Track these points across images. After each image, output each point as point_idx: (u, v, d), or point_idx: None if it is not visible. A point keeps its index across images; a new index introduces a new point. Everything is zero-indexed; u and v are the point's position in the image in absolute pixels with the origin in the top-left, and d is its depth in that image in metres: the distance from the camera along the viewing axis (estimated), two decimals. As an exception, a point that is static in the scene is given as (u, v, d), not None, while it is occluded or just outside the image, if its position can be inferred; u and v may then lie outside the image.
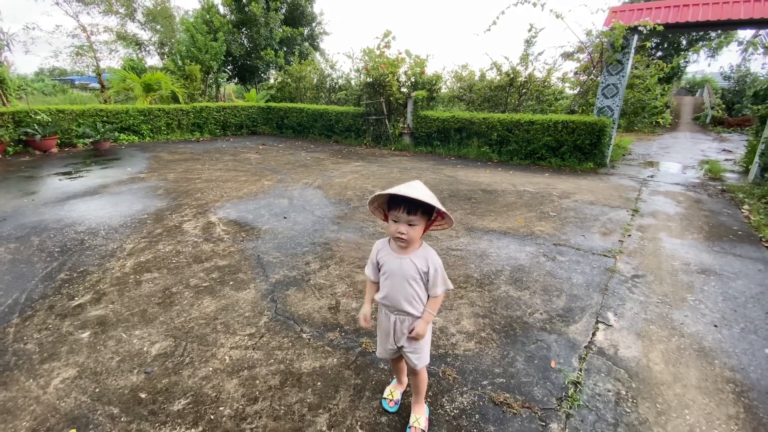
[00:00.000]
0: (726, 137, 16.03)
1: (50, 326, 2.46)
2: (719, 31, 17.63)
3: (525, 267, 3.40)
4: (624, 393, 1.98)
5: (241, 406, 1.84)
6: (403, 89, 10.93)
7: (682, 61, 21.89)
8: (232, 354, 2.20)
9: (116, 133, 10.39)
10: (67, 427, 1.73)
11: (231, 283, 3.01)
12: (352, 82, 14.23)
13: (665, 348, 2.36)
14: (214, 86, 14.68)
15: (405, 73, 11.33)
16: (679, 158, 10.37)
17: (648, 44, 8.69)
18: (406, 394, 1.91)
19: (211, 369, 2.08)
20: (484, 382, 2.02)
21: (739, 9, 7.35)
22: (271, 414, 1.79)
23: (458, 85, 12.41)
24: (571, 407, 1.88)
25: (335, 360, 2.16)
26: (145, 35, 19.15)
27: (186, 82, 13.66)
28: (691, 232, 4.42)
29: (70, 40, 16.78)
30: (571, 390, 1.99)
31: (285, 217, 4.57)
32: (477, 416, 1.81)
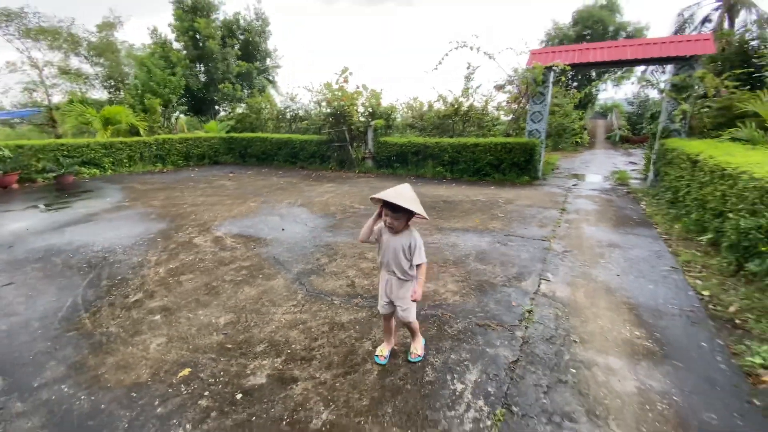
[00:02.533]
0: (632, 152, 19.04)
1: (120, 316, 2.99)
2: (619, 67, 21.14)
3: (486, 250, 4.42)
4: (560, 314, 2.99)
5: (306, 343, 2.57)
6: (362, 118, 12.08)
7: (594, 89, 25.74)
8: (285, 317, 2.91)
9: (77, 167, 10.30)
10: (180, 369, 2.35)
11: (260, 276, 3.68)
12: (312, 113, 15.19)
13: (585, 290, 3.44)
14: (172, 118, 14.85)
15: (363, 104, 12.54)
16: (596, 170, 12.42)
17: (563, 78, 10.63)
18: (393, 351, 2.75)
19: (273, 327, 2.78)
20: (470, 316, 2.93)
21: (626, 51, 9.45)
22: (330, 344, 2.55)
23: (410, 114, 13.85)
24: (528, 324, 2.83)
25: (364, 313, 2.95)
26: (89, 69, 18.82)
27: (145, 115, 13.76)
28: (604, 222, 5.78)
29: (18, 76, 16.15)
30: (527, 315, 2.95)
31: (283, 229, 5.27)
32: (468, 333, 2.70)
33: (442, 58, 10.21)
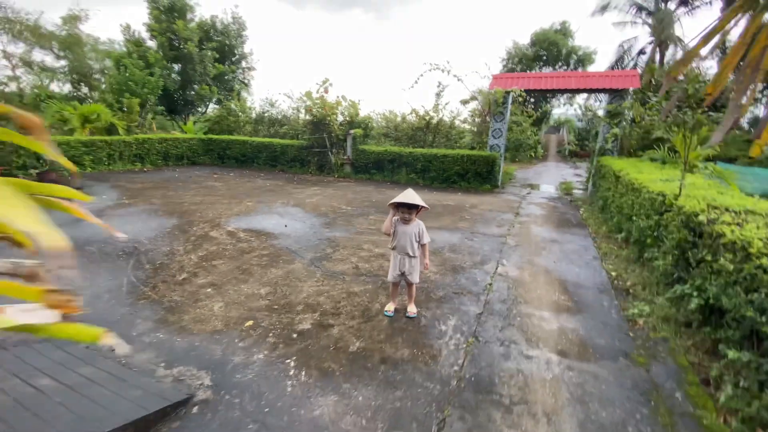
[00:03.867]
0: (579, 165, 21.32)
1: (177, 289, 3.77)
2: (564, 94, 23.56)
3: (456, 244, 5.54)
4: (510, 286, 4.13)
5: (332, 305, 3.51)
6: (341, 127, 13.02)
7: (547, 109, 28.36)
8: (311, 288, 3.83)
9: (61, 165, 10.40)
10: (244, 321, 3.21)
11: (281, 261, 4.55)
12: (291, 119, 15.89)
13: (530, 271, 4.62)
14: (148, 118, 14.96)
15: (342, 113, 13.49)
16: (547, 180, 14.14)
17: (521, 99, 12.18)
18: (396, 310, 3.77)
19: (305, 294, 3.69)
20: (448, 288, 4.00)
21: (570, 81, 11.13)
22: (350, 305, 3.51)
23: (385, 124, 14.96)
24: (488, 292, 3.94)
25: (370, 286, 3.93)
26: (53, 62, 18.30)
27: (123, 114, 13.85)
28: (548, 224, 7.12)
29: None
30: (488, 287, 4.06)
31: (285, 226, 6.11)
32: (447, 297, 3.76)
33: (418, 78, 11.46)
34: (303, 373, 2.58)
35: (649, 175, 5.94)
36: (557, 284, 4.27)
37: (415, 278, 3.34)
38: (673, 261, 3.80)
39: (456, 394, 2.44)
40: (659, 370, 2.79)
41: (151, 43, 18.45)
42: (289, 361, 2.70)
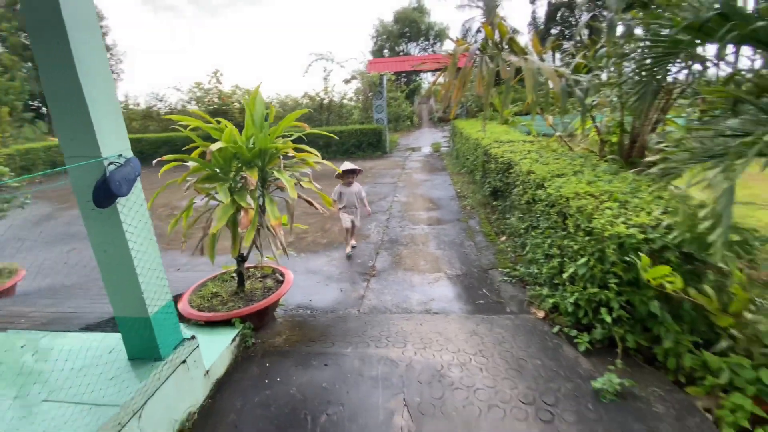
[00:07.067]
0: (446, 129, 25.85)
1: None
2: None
3: (368, 191, 8.08)
4: (401, 205, 6.86)
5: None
6: (242, 114, 14.22)
7: (419, 81, 32.49)
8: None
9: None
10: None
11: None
12: (183, 111, 16.15)
13: (412, 197, 7.44)
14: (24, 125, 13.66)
15: (237, 101, 14.61)
16: (423, 143, 17.63)
17: (393, 78, 15.03)
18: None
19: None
20: (366, 211, 6.54)
21: (415, 63, 14.34)
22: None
23: (282, 108, 16.46)
24: (390, 210, 6.60)
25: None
26: None
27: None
28: (423, 172, 10.18)
29: None
30: (389, 207, 6.72)
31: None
32: (371, 217, 6.31)
33: (307, 68, 13.38)
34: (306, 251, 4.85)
35: (472, 129, 9.30)
36: (428, 200, 7.16)
37: (358, 222, 5.09)
38: (481, 173, 6.96)
39: (381, 245, 5.01)
40: (473, 223, 5.79)
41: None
42: (295, 251, 4.92)
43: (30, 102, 16.50)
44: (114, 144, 1.72)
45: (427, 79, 32.11)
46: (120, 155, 1.72)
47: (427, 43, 33.94)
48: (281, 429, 2.00)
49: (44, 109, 17.72)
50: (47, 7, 1.53)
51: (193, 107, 15.30)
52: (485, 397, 2.15)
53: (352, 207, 4.93)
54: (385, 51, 32.62)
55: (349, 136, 13.60)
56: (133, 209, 1.80)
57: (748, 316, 2.02)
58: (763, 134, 1.71)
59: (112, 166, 1.66)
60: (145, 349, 1.92)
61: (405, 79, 29.76)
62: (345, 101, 16.12)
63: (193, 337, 2.16)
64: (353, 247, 5.04)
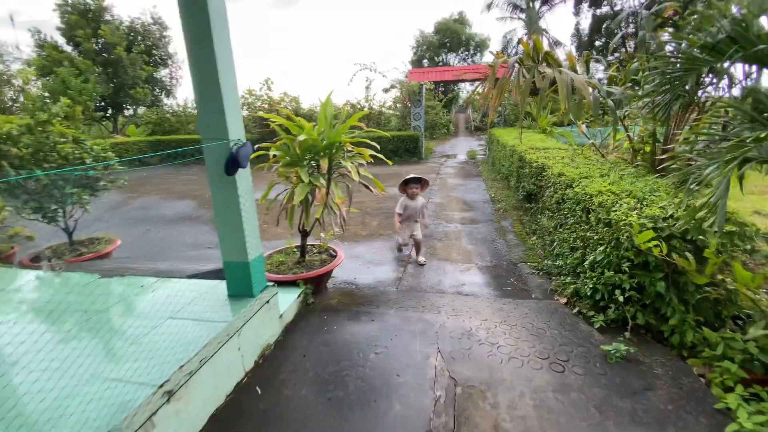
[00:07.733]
0: (482, 137, 26.00)
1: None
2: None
3: (403, 191, 8.63)
4: (437, 206, 7.32)
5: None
6: (289, 120, 15.26)
7: (457, 91, 32.91)
8: (328, 217, 6.59)
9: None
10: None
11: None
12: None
13: (447, 200, 7.87)
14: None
15: (285, 107, 15.67)
16: (458, 151, 17.98)
17: (432, 87, 15.56)
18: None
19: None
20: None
21: (457, 74, 14.78)
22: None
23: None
24: (426, 208, 7.09)
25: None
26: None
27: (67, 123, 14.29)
28: (458, 177, 10.57)
29: None
30: (426, 207, 7.21)
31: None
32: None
33: (352, 77, 14.20)
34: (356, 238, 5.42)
35: (509, 136, 9.60)
36: (462, 202, 7.57)
37: (420, 236, 4.68)
38: (516, 177, 7.29)
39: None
40: (505, 224, 6.14)
41: (68, 48, 18.21)
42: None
43: (99, 104, 18.36)
44: (236, 130, 2.34)
45: (465, 89, 32.42)
46: (239, 139, 2.34)
47: (467, 53, 34.29)
48: (339, 360, 2.52)
49: (110, 111, 19.64)
50: (203, 16, 2.09)
51: (243, 113, 16.57)
52: (507, 351, 2.57)
53: (413, 220, 4.68)
54: (425, 61, 33.27)
55: (387, 141, 14.21)
56: (245, 180, 2.42)
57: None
58: (754, 138, 2.05)
59: (235, 147, 2.27)
60: (242, 287, 2.52)
61: (443, 89, 30.25)
62: (384, 109, 16.84)
63: (274, 284, 2.74)
64: (422, 264, 4.67)
